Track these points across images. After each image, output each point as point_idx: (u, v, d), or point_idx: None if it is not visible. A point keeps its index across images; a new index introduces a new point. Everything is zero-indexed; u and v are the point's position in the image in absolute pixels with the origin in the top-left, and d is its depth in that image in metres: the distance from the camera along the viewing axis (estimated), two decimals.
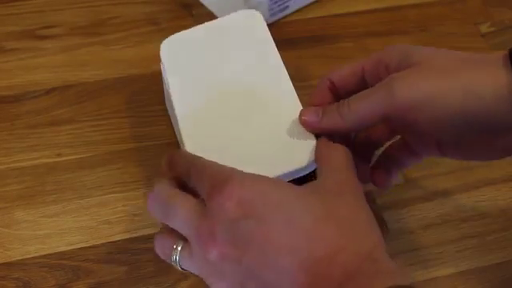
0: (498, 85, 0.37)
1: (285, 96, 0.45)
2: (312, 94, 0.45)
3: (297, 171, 0.41)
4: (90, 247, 0.50)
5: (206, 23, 0.50)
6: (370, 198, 0.52)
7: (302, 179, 0.42)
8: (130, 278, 0.49)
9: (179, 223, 0.37)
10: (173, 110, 0.48)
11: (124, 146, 0.56)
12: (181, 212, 0.37)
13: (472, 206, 0.54)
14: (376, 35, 0.65)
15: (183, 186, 0.39)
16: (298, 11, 0.67)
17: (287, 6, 0.65)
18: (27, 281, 0.48)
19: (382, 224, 0.52)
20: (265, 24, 0.49)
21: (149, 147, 0.56)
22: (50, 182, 0.53)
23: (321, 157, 0.40)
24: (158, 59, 0.50)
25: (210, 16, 0.64)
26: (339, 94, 0.44)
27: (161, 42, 0.50)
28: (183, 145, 0.44)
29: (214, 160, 0.38)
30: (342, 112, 0.41)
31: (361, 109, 0.40)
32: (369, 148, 0.47)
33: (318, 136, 0.42)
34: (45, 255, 0.49)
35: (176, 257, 0.38)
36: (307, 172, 0.42)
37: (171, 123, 0.55)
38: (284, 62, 0.47)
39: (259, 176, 0.37)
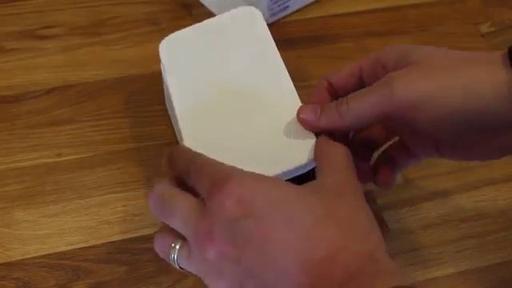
0: (497, 83, 0.37)
1: (284, 94, 0.45)
2: (310, 95, 0.45)
3: (296, 169, 0.41)
4: (89, 247, 0.50)
5: (205, 21, 0.50)
6: (369, 198, 0.52)
7: (302, 178, 0.42)
8: (130, 278, 0.49)
9: (178, 222, 0.37)
10: (173, 109, 0.48)
11: (124, 146, 0.56)
12: (180, 211, 0.37)
13: (472, 206, 0.54)
14: (376, 35, 0.65)
15: (183, 184, 0.39)
16: (298, 11, 0.67)
17: (287, 6, 0.65)
18: (27, 281, 0.48)
19: (381, 224, 0.52)
20: (264, 22, 0.49)
21: (149, 147, 0.56)
22: (50, 181, 0.53)
23: (320, 155, 0.40)
24: (157, 59, 0.50)
25: (210, 16, 0.63)
26: (338, 94, 0.44)
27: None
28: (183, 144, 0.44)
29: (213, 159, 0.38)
30: (341, 110, 0.40)
31: (360, 107, 0.40)
32: (367, 148, 0.47)
33: (317, 134, 0.42)
34: (45, 255, 0.49)
35: (174, 255, 0.38)
36: (307, 170, 0.42)
37: (171, 123, 0.55)
38: (284, 62, 0.47)
39: (259, 175, 0.37)
